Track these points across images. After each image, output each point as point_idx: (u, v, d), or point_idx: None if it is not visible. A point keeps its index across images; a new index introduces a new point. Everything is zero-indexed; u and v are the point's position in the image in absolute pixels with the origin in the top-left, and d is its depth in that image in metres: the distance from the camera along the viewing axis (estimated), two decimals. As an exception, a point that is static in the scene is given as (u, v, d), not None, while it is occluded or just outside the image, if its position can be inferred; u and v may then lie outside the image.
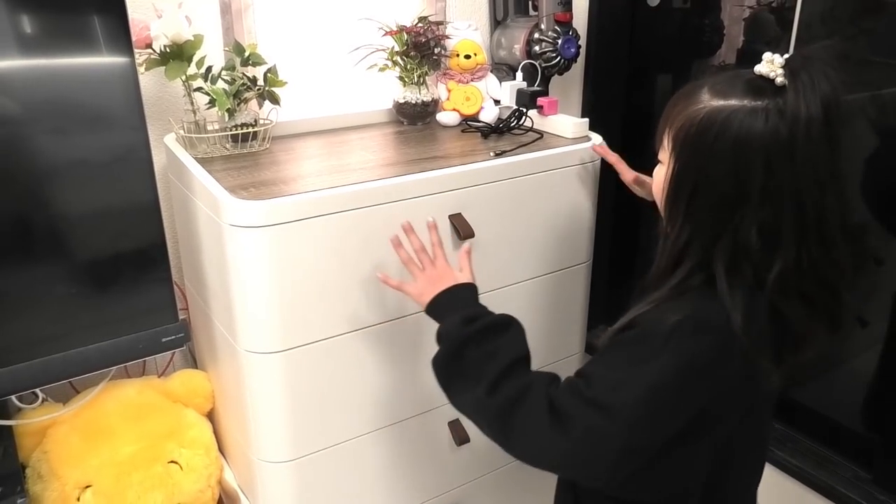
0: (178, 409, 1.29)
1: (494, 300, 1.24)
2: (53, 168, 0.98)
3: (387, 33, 1.36)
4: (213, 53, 1.27)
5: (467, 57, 1.44)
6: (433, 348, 1.20)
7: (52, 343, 1.03)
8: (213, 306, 1.18)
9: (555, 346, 1.39)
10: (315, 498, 1.18)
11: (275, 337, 1.04)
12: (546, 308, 1.33)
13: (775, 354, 0.79)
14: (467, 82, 1.46)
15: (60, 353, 1.03)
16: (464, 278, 0.99)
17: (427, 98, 1.41)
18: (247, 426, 1.14)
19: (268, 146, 1.26)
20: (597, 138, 1.32)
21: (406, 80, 1.40)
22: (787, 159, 0.73)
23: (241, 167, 1.15)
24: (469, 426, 1.30)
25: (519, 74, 1.48)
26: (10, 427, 1.14)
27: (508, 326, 0.92)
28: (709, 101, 0.76)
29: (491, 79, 1.49)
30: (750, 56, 1.48)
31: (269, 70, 1.24)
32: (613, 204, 1.77)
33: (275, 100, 1.24)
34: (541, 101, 1.38)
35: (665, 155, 0.82)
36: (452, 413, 1.28)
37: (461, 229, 1.13)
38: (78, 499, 1.15)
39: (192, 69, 1.18)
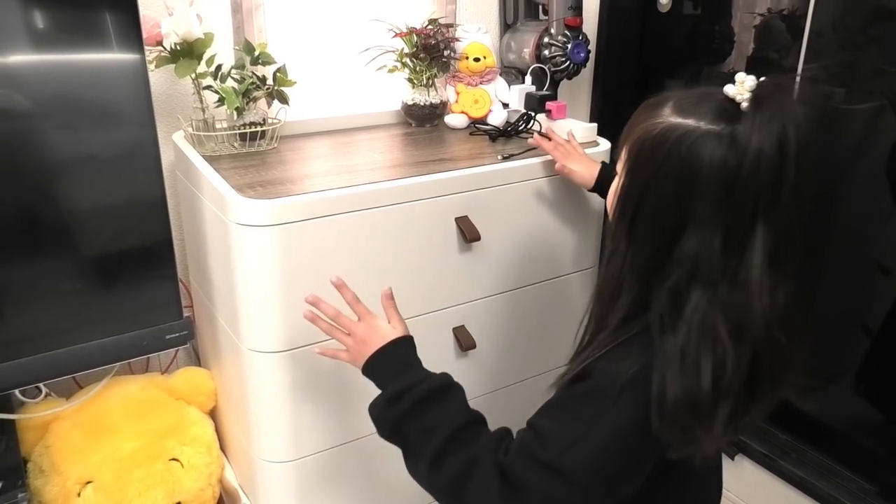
0: (180, 407, 1.29)
1: (500, 304, 1.24)
2: (62, 163, 0.98)
3: (397, 35, 1.36)
4: (224, 52, 1.27)
5: (476, 60, 1.44)
6: (437, 350, 1.20)
7: (57, 338, 1.03)
8: (218, 304, 1.18)
9: (559, 351, 1.39)
10: (315, 499, 1.18)
11: (278, 336, 1.04)
12: (552, 312, 1.33)
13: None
14: (476, 85, 1.46)
15: (64, 348, 1.03)
16: (394, 332, 0.91)
17: (435, 100, 1.41)
18: (248, 425, 1.14)
19: (276, 145, 1.26)
20: (604, 143, 1.32)
21: (415, 81, 1.40)
22: (726, 191, 0.68)
23: (249, 166, 1.15)
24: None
25: (528, 78, 1.48)
26: (12, 421, 1.14)
27: (444, 393, 0.85)
28: (668, 117, 0.72)
29: (500, 82, 1.49)
30: (760, 63, 1.47)
31: (278, 69, 1.24)
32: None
33: (284, 99, 1.24)
34: (549, 105, 1.38)
35: (621, 168, 0.78)
36: (455, 416, 1.28)
37: (467, 232, 1.13)
38: (79, 494, 1.15)
39: (201, 67, 1.18)
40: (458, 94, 1.45)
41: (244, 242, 1.00)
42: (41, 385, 1.17)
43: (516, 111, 1.43)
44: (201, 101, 1.21)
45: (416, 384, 0.85)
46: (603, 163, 1.20)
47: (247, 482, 1.26)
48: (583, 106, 1.79)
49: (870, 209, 1.32)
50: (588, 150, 1.27)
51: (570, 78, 1.54)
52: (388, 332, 0.91)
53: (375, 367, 0.89)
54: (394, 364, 0.89)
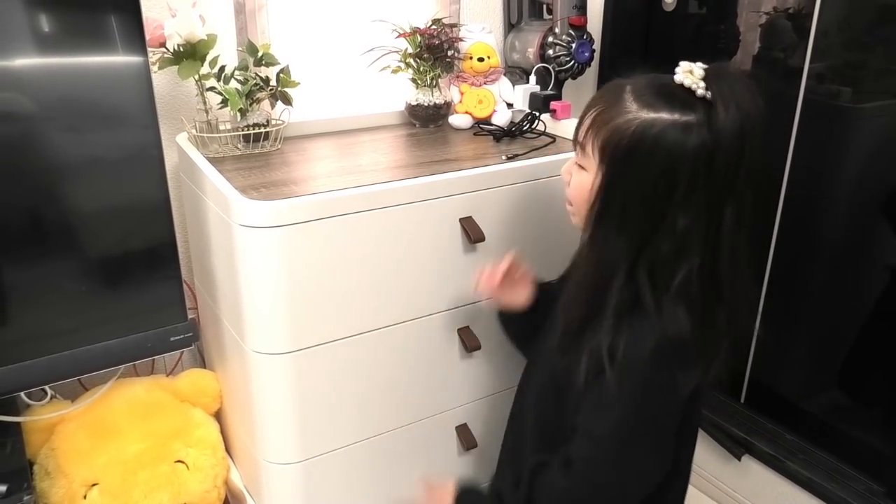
0: (185, 409, 1.29)
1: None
2: (65, 165, 0.98)
3: (400, 35, 1.36)
4: (227, 53, 1.27)
5: (480, 60, 1.43)
6: (441, 352, 1.20)
7: (62, 340, 1.03)
8: (222, 306, 1.17)
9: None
10: (321, 500, 1.18)
11: (283, 338, 1.04)
12: (556, 313, 1.32)
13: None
14: (480, 85, 1.45)
15: (69, 350, 1.03)
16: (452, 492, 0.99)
17: (439, 100, 1.41)
18: (254, 427, 1.14)
19: (279, 146, 1.26)
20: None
21: (419, 82, 1.39)
22: (708, 170, 0.76)
23: (253, 167, 1.15)
24: (477, 431, 1.29)
25: (532, 78, 1.47)
26: (18, 423, 1.14)
27: None
28: (638, 113, 0.77)
29: (504, 82, 1.48)
30: (766, 63, 1.46)
31: (281, 70, 1.24)
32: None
33: (287, 100, 1.24)
34: (554, 105, 1.37)
35: (589, 162, 0.83)
36: (460, 417, 1.27)
37: (472, 233, 1.12)
38: (84, 496, 1.15)
39: (205, 69, 1.18)
40: (462, 94, 1.45)
41: (248, 244, 1.00)
42: (46, 387, 1.17)
43: (521, 111, 1.42)
44: (205, 103, 1.21)
45: None
46: (539, 284, 1.12)
47: (252, 484, 1.26)
48: (587, 105, 1.78)
49: (878, 209, 1.31)
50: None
51: (574, 78, 1.54)
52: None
53: None
54: None
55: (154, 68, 1.14)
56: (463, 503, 0.98)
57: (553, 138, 1.33)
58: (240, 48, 1.29)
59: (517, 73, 1.57)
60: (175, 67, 1.16)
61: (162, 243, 1.07)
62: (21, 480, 1.09)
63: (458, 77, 1.46)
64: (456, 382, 1.24)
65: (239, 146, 1.23)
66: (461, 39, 1.43)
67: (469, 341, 1.20)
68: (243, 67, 1.22)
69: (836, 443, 1.40)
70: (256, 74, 1.21)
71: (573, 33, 1.48)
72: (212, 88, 1.20)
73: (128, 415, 1.23)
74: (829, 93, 1.33)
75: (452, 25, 1.42)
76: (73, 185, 0.99)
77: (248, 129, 1.21)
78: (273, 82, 1.23)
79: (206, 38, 1.15)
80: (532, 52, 1.52)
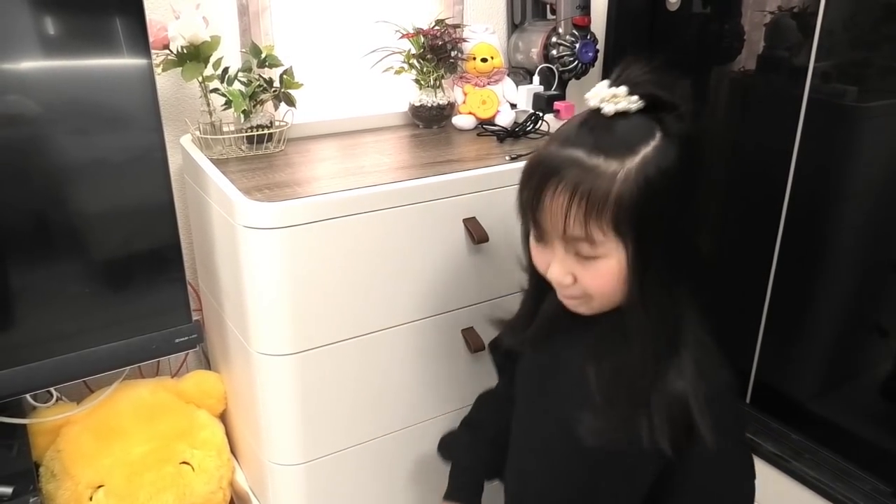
0: (190, 410, 1.29)
1: (509, 305, 1.23)
2: (70, 168, 0.98)
3: (403, 36, 1.36)
4: (230, 55, 1.27)
5: (484, 60, 1.43)
6: (445, 352, 1.20)
7: (67, 342, 1.03)
8: (227, 308, 1.18)
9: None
10: (326, 502, 1.18)
11: (287, 339, 1.04)
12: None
13: None
14: (484, 86, 1.45)
15: (74, 352, 1.03)
16: None
17: (443, 101, 1.41)
18: (258, 428, 1.14)
19: (283, 148, 1.26)
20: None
21: (422, 83, 1.39)
22: (695, 183, 0.74)
23: (256, 169, 1.15)
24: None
25: (536, 78, 1.47)
26: (24, 425, 1.14)
27: None
28: (621, 166, 0.68)
29: (507, 82, 1.48)
30: (771, 62, 1.46)
31: (285, 71, 1.24)
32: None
33: (290, 101, 1.24)
34: (557, 105, 1.37)
35: (605, 248, 0.71)
36: (465, 418, 1.27)
37: (475, 233, 1.12)
38: (90, 498, 1.16)
39: (208, 70, 1.18)
40: (465, 94, 1.45)
41: (252, 245, 1.00)
42: (52, 389, 1.18)
43: (524, 112, 1.42)
44: (208, 105, 1.21)
45: None
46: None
47: (257, 485, 1.26)
48: (591, 105, 1.78)
49: (884, 208, 1.30)
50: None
51: (578, 78, 1.53)
52: None
53: None
54: None
55: (158, 70, 1.14)
56: None
57: None
58: (243, 50, 1.29)
59: (521, 74, 1.57)
60: (179, 69, 1.16)
61: (166, 245, 1.07)
62: (27, 482, 1.10)
63: (461, 78, 1.46)
64: (461, 383, 1.24)
65: (243, 148, 1.23)
66: (464, 40, 1.43)
67: (473, 342, 1.19)
68: (247, 69, 1.22)
69: (842, 443, 1.39)
70: (260, 76, 1.21)
71: (577, 33, 1.48)
72: (215, 90, 1.20)
73: (133, 416, 1.24)
74: (835, 92, 1.32)
75: (456, 26, 1.42)
76: (77, 187, 1.00)
77: (251, 131, 1.21)
78: (276, 84, 1.23)
79: (209, 39, 1.15)
80: (536, 52, 1.52)
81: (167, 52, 1.15)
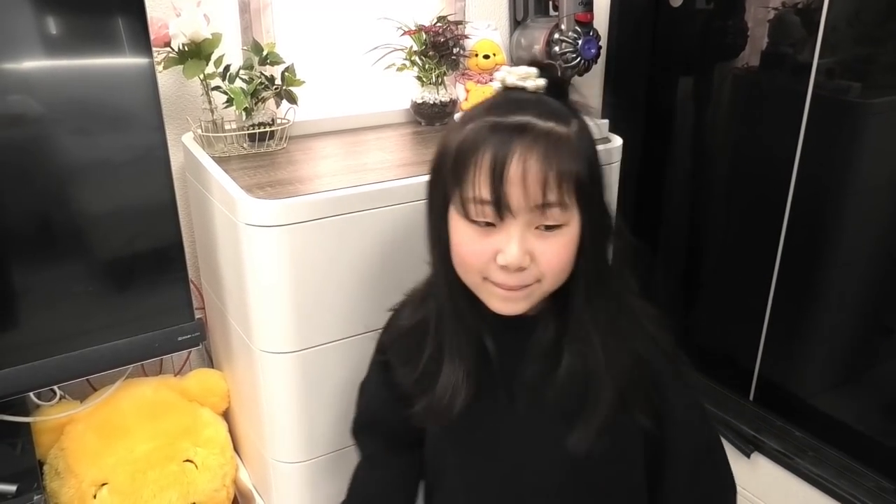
0: (193, 408, 1.29)
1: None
2: (71, 167, 0.98)
3: (405, 33, 1.36)
4: (232, 52, 1.27)
5: (486, 57, 1.43)
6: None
7: (69, 341, 1.03)
8: (229, 305, 1.18)
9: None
10: (329, 499, 1.18)
11: (290, 337, 1.04)
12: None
13: None
14: (486, 82, 1.45)
15: (77, 351, 1.03)
16: None
17: (445, 98, 1.40)
18: (261, 426, 1.14)
19: (285, 145, 1.26)
20: (616, 140, 1.30)
21: (424, 80, 1.39)
22: None
23: (258, 166, 1.15)
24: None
25: (538, 75, 1.46)
26: (27, 424, 1.15)
27: None
28: (571, 130, 0.68)
29: (510, 79, 1.48)
30: (774, 58, 1.45)
31: (286, 69, 1.23)
32: (634, 205, 1.75)
33: (292, 99, 1.24)
34: (560, 101, 1.36)
35: (570, 213, 0.69)
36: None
37: (478, 231, 1.12)
38: (94, 496, 1.16)
39: (210, 68, 1.18)
40: (467, 91, 1.44)
41: (254, 243, 1.00)
42: (55, 388, 1.18)
43: (526, 108, 1.42)
44: (210, 102, 1.21)
45: None
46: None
47: (261, 483, 1.26)
48: (594, 103, 1.78)
49: (888, 204, 1.30)
50: (599, 147, 1.25)
51: (581, 74, 1.53)
52: None
53: None
54: None
55: (159, 68, 1.14)
56: None
57: (559, 135, 1.32)
58: (245, 47, 1.29)
59: (523, 71, 1.56)
60: (180, 67, 1.16)
61: (168, 244, 1.07)
62: (31, 480, 1.10)
63: (463, 74, 1.46)
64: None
65: (244, 145, 1.23)
66: (466, 37, 1.42)
67: (476, 339, 1.19)
68: (248, 66, 1.22)
69: (845, 440, 1.39)
70: (261, 73, 1.21)
71: (579, 30, 1.47)
72: (217, 88, 1.20)
73: (136, 415, 1.24)
74: (839, 88, 1.32)
75: (458, 23, 1.41)
76: (78, 186, 1.00)
77: (253, 129, 1.21)
78: (278, 81, 1.23)
79: (210, 37, 1.15)
80: (538, 49, 1.51)
81: (168, 49, 1.15)
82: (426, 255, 1.10)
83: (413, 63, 1.38)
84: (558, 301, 0.75)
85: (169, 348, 1.11)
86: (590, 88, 1.74)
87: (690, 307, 1.77)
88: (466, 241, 0.71)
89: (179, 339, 1.11)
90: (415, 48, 1.36)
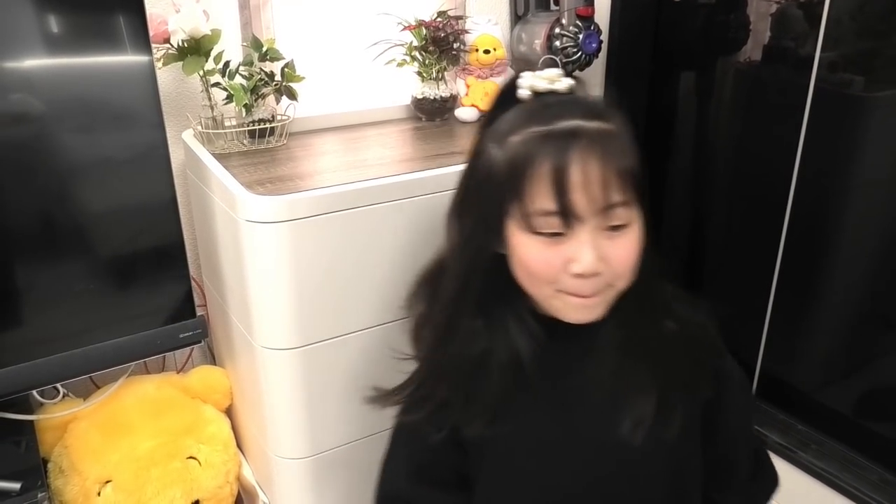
0: (196, 405, 1.30)
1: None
2: (71, 165, 0.98)
3: (405, 28, 1.35)
4: (232, 49, 1.27)
5: (486, 52, 1.43)
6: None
7: (72, 339, 1.03)
8: (231, 302, 1.18)
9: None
10: (332, 495, 1.18)
11: (291, 333, 1.04)
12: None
13: None
14: (486, 77, 1.44)
15: (79, 348, 1.04)
16: None
17: (445, 94, 1.40)
18: (264, 423, 1.14)
19: (285, 142, 1.26)
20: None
21: (424, 75, 1.39)
22: None
23: (258, 163, 1.15)
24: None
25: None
26: (31, 422, 1.15)
27: None
28: (617, 127, 0.68)
29: (510, 74, 1.47)
30: (777, 53, 1.45)
31: (286, 65, 1.23)
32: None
33: (292, 95, 1.24)
34: (560, 96, 1.36)
35: (633, 211, 0.68)
36: (470, 411, 1.27)
37: (479, 226, 1.12)
38: (98, 493, 1.16)
39: (209, 64, 1.18)
40: (468, 87, 1.44)
41: (254, 239, 1.00)
42: (59, 386, 1.18)
43: (527, 103, 1.41)
44: (210, 99, 1.21)
45: None
46: None
47: (264, 479, 1.26)
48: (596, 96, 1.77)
49: (892, 199, 1.29)
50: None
51: (582, 69, 1.52)
52: None
53: None
54: None
55: (158, 65, 1.14)
56: None
57: (560, 129, 1.32)
58: (244, 43, 1.29)
59: (524, 66, 1.56)
60: (180, 64, 1.15)
61: (169, 242, 1.07)
62: (35, 478, 1.10)
63: (463, 70, 1.45)
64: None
65: (244, 142, 1.22)
66: (467, 31, 1.42)
67: (478, 335, 1.19)
68: (248, 63, 1.22)
69: (848, 433, 1.39)
70: (261, 70, 1.21)
71: (580, 24, 1.46)
72: (217, 84, 1.20)
73: (139, 412, 1.24)
74: (842, 82, 1.31)
75: (458, 18, 1.41)
76: (79, 184, 1.00)
77: (253, 125, 1.21)
78: (278, 77, 1.23)
79: (209, 33, 1.15)
80: (539, 43, 1.51)
81: (168, 46, 1.15)
82: (427, 250, 1.10)
83: (413, 58, 1.38)
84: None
85: (171, 345, 1.11)
86: (591, 83, 1.74)
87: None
88: (535, 253, 0.69)
89: (181, 336, 1.11)
90: (415, 43, 1.36)
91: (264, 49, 1.22)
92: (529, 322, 0.74)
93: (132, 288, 1.08)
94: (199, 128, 1.21)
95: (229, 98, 1.18)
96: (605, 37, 1.54)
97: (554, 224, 0.66)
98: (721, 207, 1.64)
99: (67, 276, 1.01)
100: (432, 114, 1.42)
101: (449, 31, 1.35)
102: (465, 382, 0.75)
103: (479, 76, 1.44)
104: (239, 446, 1.34)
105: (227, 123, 1.23)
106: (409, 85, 1.43)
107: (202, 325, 1.12)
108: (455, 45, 1.38)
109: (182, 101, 1.31)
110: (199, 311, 1.13)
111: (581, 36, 1.46)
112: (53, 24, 0.93)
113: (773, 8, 1.47)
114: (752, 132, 1.52)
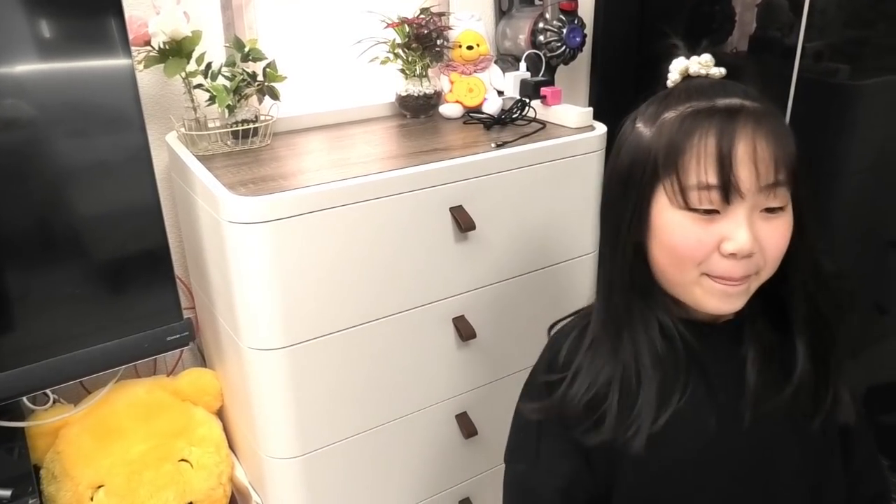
0: (187, 408, 1.29)
1: (499, 293, 1.23)
2: (52, 171, 0.98)
3: (388, 25, 1.35)
4: (215, 49, 1.27)
5: (470, 48, 1.43)
6: (437, 341, 1.19)
7: (59, 344, 1.03)
8: (217, 304, 1.18)
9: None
10: (324, 493, 1.18)
11: (277, 334, 1.04)
12: (549, 300, 1.31)
13: None
14: (470, 73, 1.44)
15: (67, 353, 1.03)
16: None
17: (429, 90, 1.40)
18: (254, 423, 1.14)
19: (269, 142, 1.25)
20: (600, 127, 1.30)
21: (408, 72, 1.39)
22: None
23: (242, 164, 1.14)
24: (477, 419, 1.29)
25: (522, 65, 1.46)
26: (22, 429, 1.15)
27: None
28: (773, 111, 0.67)
29: (494, 70, 1.47)
30: (762, 43, 1.45)
31: (268, 65, 1.23)
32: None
33: (274, 95, 1.24)
34: (544, 91, 1.36)
35: (784, 196, 0.67)
36: (460, 406, 1.27)
37: (462, 222, 1.12)
38: (91, 498, 1.16)
39: (191, 66, 1.17)
40: (452, 83, 1.44)
41: (237, 240, 1.00)
42: (49, 391, 1.18)
43: (511, 99, 1.41)
44: (192, 101, 1.20)
45: None
46: None
47: (256, 480, 1.26)
48: (581, 92, 1.77)
49: (880, 186, 1.29)
50: (583, 135, 1.25)
51: (566, 63, 1.53)
52: None
53: None
54: None
55: (140, 67, 1.13)
56: None
57: (543, 124, 1.32)
58: (227, 44, 1.28)
59: (509, 61, 1.56)
60: (161, 66, 1.15)
61: (155, 245, 1.07)
62: (26, 485, 1.10)
63: (447, 66, 1.45)
64: (454, 371, 1.24)
65: (228, 143, 1.22)
66: (450, 28, 1.42)
67: (464, 330, 1.19)
68: (230, 63, 1.21)
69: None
70: (244, 70, 1.21)
71: (564, 18, 1.47)
72: (199, 86, 1.20)
73: (130, 416, 1.24)
74: (827, 71, 1.31)
75: (441, 14, 1.41)
76: (61, 190, 0.99)
77: (236, 126, 1.21)
78: (260, 77, 1.23)
79: (190, 34, 1.14)
80: (523, 38, 1.51)
81: (149, 48, 1.15)
82: (411, 247, 1.10)
83: (396, 56, 1.37)
84: (763, 299, 0.73)
85: (158, 349, 1.11)
86: (578, 77, 1.74)
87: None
88: (685, 231, 0.67)
89: (169, 339, 1.11)
90: (398, 41, 1.36)
91: (247, 49, 1.22)
92: (675, 324, 0.73)
93: (118, 292, 1.08)
94: (183, 130, 1.21)
95: (212, 99, 1.18)
96: (589, 30, 1.55)
97: (713, 199, 0.65)
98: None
99: (52, 281, 1.01)
100: (417, 111, 1.42)
101: (432, 28, 1.35)
102: (629, 391, 0.72)
103: (462, 72, 1.44)
104: (231, 448, 1.34)
105: (210, 125, 1.23)
106: (394, 82, 1.43)
107: (189, 328, 1.12)
108: (438, 42, 1.38)
109: (165, 104, 1.31)
110: (187, 314, 1.13)
111: (565, 30, 1.46)
112: (29, 26, 0.93)
113: (759, -2, 1.48)
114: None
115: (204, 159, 1.16)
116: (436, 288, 1.16)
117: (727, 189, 0.64)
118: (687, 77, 0.72)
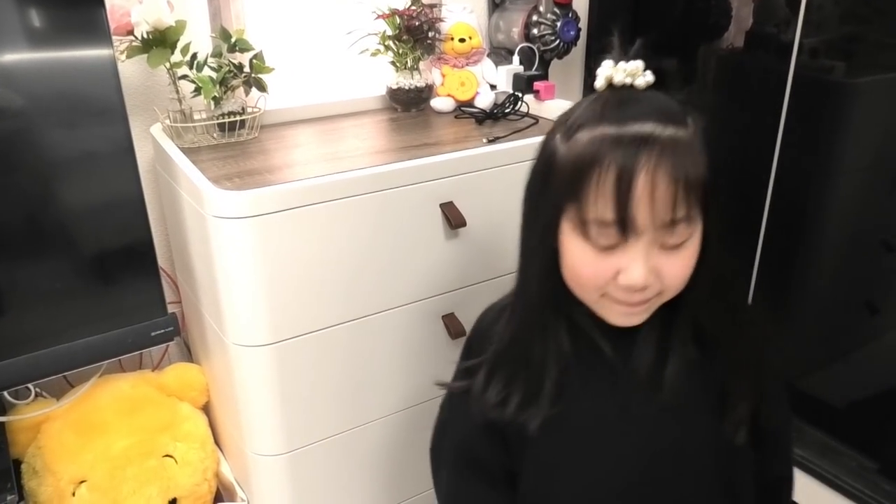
0: (172, 403, 1.28)
1: (489, 291, 1.22)
2: (32, 163, 0.96)
3: (379, 17, 1.33)
4: (201, 40, 1.24)
5: (462, 40, 1.41)
6: (426, 338, 1.18)
7: (42, 338, 1.02)
8: (203, 299, 1.16)
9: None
10: (310, 490, 1.17)
11: (262, 330, 1.02)
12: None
13: None
14: (462, 67, 1.42)
15: (50, 348, 1.02)
16: None
17: (420, 84, 1.38)
18: (239, 419, 1.13)
19: (256, 135, 1.24)
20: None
21: (399, 65, 1.37)
22: None
23: (228, 157, 1.12)
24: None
25: (515, 58, 1.44)
26: (2, 423, 1.13)
27: None
28: (689, 134, 0.64)
29: (487, 63, 1.46)
30: (759, 39, 1.44)
31: (254, 56, 1.21)
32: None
33: (261, 87, 1.22)
34: (537, 85, 1.34)
35: (694, 225, 0.66)
36: (448, 405, 1.26)
37: (452, 218, 1.10)
38: (73, 494, 1.15)
39: (176, 56, 1.15)
40: (443, 76, 1.42)
41: (222, 235, 0.98)
42: (31, 385, 1.17)
43: (504, 93, 1.40)
44: (178, 92, 1.18)
45: None
46: None
47: (242, 476, 1.25)
48: (576, 86, 1.76)
49: (873, 185, 1.29)
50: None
51: (560, 57, 1.51)
52: None
53: None
54: None
55: (122, 57, 1.11)
56: None
57: (536, 119, 1.30)
58: (213, 34, 1.26)
59: (502, 54, 1.54)
60: (145, 56, 1.13)
61: (138, 238, 1.06)
62: (5, 480, 1.09)
63: (439, 59, 1.43)
64: (442, 369, 1.22)
65: (215, 135, 1.20)
66: (442, 20, 1.40)
67: (454, 328, 1.18)
68: (217, 54, 1.19)
69: (827, 420, 1.39)
70: (230, 61, 1.19)
71: (558, 12, 1.45)
72: (184, 77, 1.18)
73: (114, 411, 1.22)
74: (823, 68, 1.31)
75: (433, 6, 1.39)
76: (42, 182, 0.98)
77: (222, 118, 1.19)
78: (247, 69, 1.21)
79: (174, 24, 1.12)
80: (517, 31, 1.49)
81: (131, 38, 1.12)
82: (401, 243, 1.09)
83: (387, 48, 1.36)
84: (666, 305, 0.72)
85: (143, 343, 1.10)
86: (571, 71, 1.72)
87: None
88: (585, 259, 0.67)
89: (153, 334, 1.09)
90: (389, 33, 1.34)
91: (233, 40, 1.19)
92: (585, 319, 0.74)
93: (101, 286, 1.06)
94: (168, 122, 1.18)
95: (198, 91, 1.16)
96: (583, 24, 1.53)
97: (610, 235, 0.64)
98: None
99: (33, 274, 1.00)
100: (408, 104, 1.40)
101: (423, 20, 1.33)
102: (532, 376, 0.75)
103: (454, 65, 1.42)
104: (217, 443, 1.33)
105: (196, 117, 1.21)
106: (385, 75, 1.41)
107: (174, 323, 1.10)
108: (430, 34, 1.36)
109: (150, 95, 1.28)
110: (173, 309, 1.11)
111: (559, 24, 1.45)
112: (4, 13, 0.90)
113: (757, -7, 1.47)
114: (732, 119, 1.51)
115: (189, 152, 1.14)
116: (425, 285, 1.14)
117: (624, 226, 0.63)
118: (611, 86, 0.68)
